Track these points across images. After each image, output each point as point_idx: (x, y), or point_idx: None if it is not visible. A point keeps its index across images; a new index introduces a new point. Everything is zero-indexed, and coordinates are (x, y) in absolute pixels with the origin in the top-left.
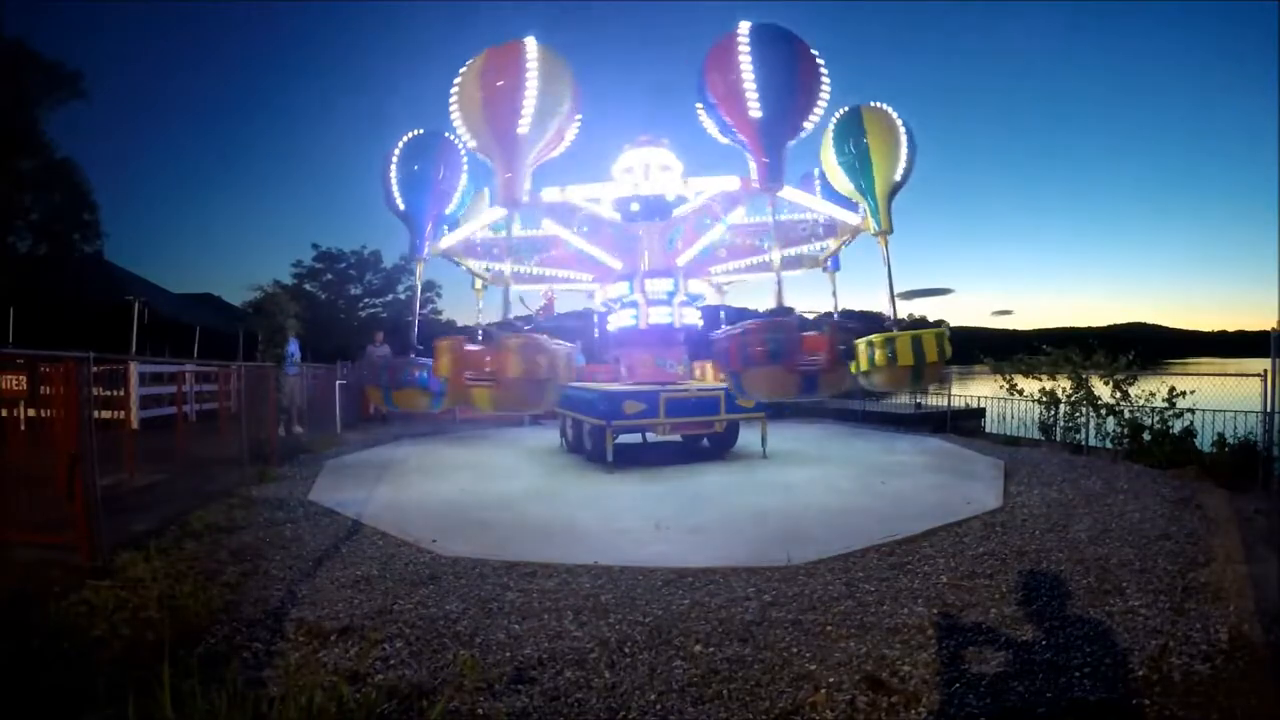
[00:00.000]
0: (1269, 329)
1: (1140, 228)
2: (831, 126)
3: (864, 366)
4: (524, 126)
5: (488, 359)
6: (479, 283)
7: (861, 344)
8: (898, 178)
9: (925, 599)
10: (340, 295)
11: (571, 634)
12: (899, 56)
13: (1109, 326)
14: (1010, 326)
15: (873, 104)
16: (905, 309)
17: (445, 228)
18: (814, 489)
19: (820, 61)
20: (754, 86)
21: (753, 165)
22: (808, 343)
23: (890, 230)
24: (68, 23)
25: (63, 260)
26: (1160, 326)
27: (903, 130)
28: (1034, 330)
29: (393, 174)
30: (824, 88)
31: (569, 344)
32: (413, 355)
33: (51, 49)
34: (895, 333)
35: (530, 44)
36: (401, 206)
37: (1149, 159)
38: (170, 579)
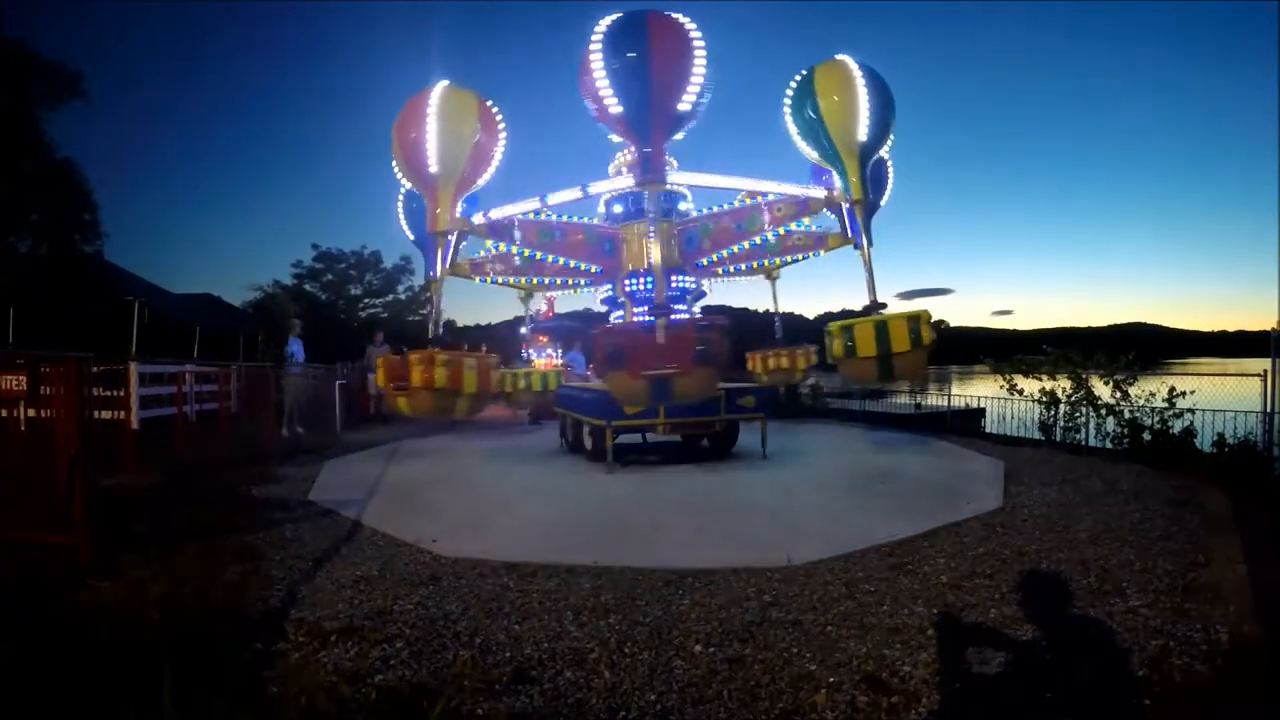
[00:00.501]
0: (1269, 329)
1: (1140, 228)
2: (788, 93)
3: (829, 359)
4: (433, 165)
5: (403, 370)
6: (522, 293)
7: (826, 334)
8: (863, 137)
9: (925, 599)
10: (340, 295)
11: (571, 634)
12: (899, 56)
13: (1109, 326)
14: (1010, 326)
15: (835, 57)
16: (905, 309)
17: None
18: (814, 489)
19: (695, 39)
20: (607, 82)
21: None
22: (654, 346)
23: (863, 198)
24: (68, 23)
25: (63, 260)
26: (1160, 326)
27: (862, 83)
28: (1034, 330)
29: (399, 208)
30: (696, 67)
31: (492, 356)
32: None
33: (51, 49)
34: (855, 320)
35: (436, 90)
36: (411, 236)
37: (1149, 159)
38: (170, 579)
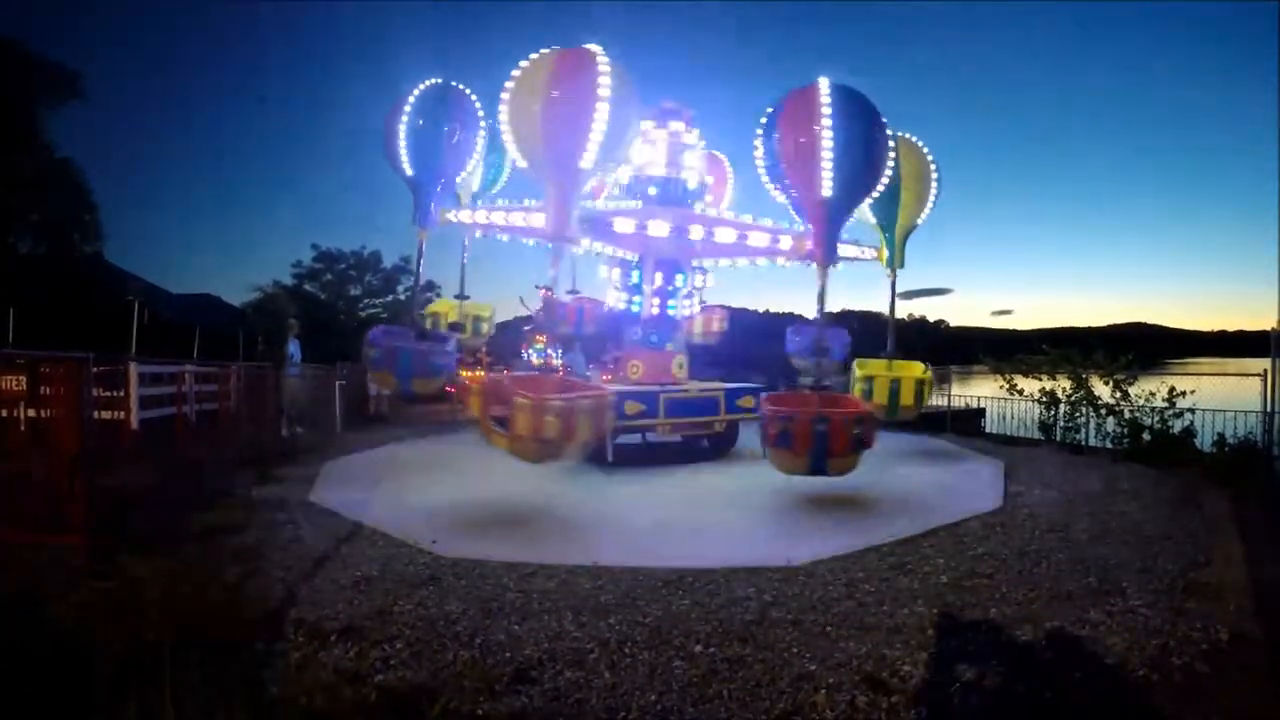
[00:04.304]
0: (1269, 329)
1: (1140, 227)
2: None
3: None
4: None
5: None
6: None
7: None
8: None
9: (925, 599)
10: (340, 296)
11: (571, 634)
12: (897, 55)
13: (1109, 326)
14: (1010, 326)
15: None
16: (905, 309)
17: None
18: (814, 489)
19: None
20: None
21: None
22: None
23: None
24: (68, 23)
25: (63, 261)
26: (1160, 326)
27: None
28: (1034, 330)
29: (401, 138)
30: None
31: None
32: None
33: (52, 49)
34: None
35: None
36: (410, 172)
37: (1149, 158)
38: (170, 579)
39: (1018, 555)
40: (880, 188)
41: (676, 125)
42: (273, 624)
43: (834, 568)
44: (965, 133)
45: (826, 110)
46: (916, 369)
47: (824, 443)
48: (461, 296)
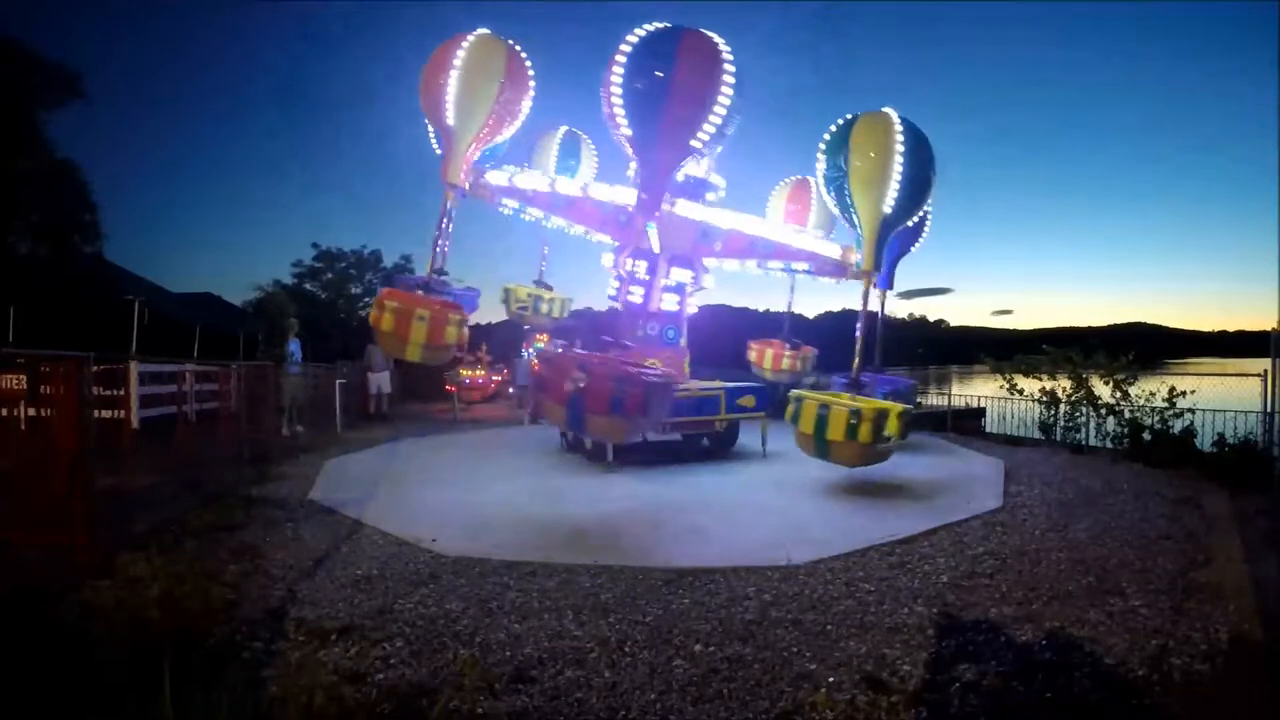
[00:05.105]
0: (1269, 329)
1: (1140, 227)
2: (825, 138)
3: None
4: (450, 119)
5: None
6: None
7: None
8: (886, 209)
9: (925, 599)
10: (340, 295)
11: (572, 633)
12: (896, 55)
13: (1109, 326)
14: (1010, 326)
15: (881, 110)
16: (905, 308)
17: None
18: (814, 489)
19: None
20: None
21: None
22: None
23: (872, 270)
24: (68, 23)
25: (63, 260)
26: (1160, 326)
27: (899, 144)
28: (1034, 330)
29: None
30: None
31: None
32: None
33: (52, 49)
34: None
35: (465, 40)
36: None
37: (1149, 158)
38: (170, 579)
39: (1018, 555)
40: (705, 130)
41: None
42: (273, 623)
43: (834, 567)
44: (965, 131)
45: (625, 50)
46: (877, 405)
47: (580, 397)
48: (540, 283)
